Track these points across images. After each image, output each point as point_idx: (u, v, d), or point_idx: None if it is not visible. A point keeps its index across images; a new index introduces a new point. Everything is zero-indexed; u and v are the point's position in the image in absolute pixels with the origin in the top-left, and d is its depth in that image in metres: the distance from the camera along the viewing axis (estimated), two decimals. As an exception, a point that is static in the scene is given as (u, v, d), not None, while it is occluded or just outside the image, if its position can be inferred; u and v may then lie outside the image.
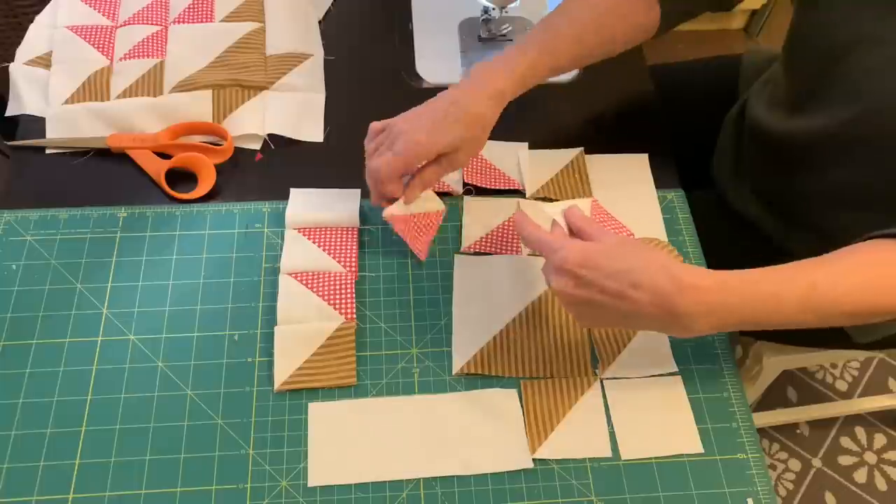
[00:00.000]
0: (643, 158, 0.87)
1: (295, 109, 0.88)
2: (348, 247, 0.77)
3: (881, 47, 0.68)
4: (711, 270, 0.62)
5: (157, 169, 0.81)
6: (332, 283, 0.74)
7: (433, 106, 0.72)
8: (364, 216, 0.80)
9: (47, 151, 0.83)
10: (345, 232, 0.78)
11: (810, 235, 0.86)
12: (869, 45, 0.69)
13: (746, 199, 0.92)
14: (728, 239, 0.95)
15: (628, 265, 0.60)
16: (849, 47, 0.70)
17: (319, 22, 0.96)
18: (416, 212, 0.76)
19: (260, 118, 0.86)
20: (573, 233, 0.69)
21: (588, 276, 0.61)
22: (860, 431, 1.48)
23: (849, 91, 0.72)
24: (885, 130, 0.69)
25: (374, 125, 0.75)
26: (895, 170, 0.70)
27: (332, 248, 0.77)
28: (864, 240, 0.65)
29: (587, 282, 0.61)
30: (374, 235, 0.79)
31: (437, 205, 0.78)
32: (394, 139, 0.71)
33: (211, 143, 0.84)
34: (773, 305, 0.60)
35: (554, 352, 0.73)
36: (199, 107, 0.85)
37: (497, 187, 0.83)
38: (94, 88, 0.87)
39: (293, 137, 0.86)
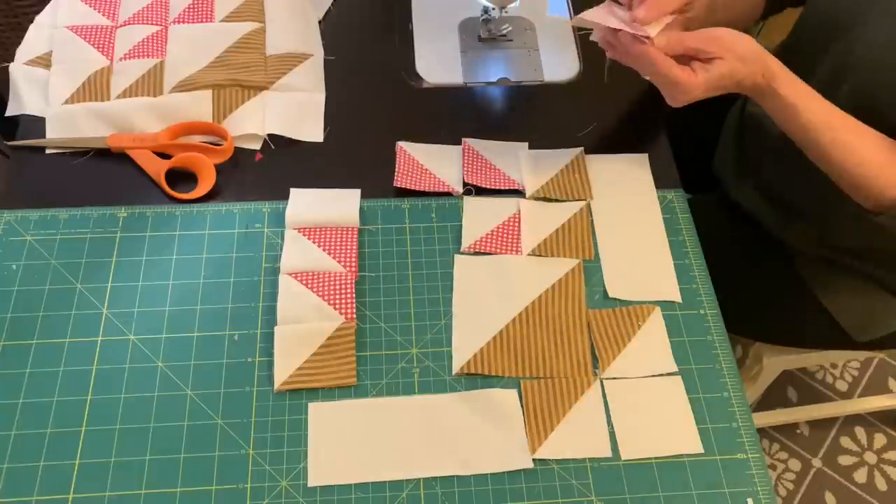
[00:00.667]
0: (643, 158, 0.87)
1: (295, 109, 0.88)
2: (348, 247, 0.77)
3: (887, 18, 0.69)
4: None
5: (157, 169, 0.81)
6: (331, 282, 0.74)
7: None
8: (364, 216, 0.80)
9: (47, 151, 0.83)
10: (345, 232, 0.78)
11: (812, 229, 0.86)
12: (876, 17, 0.69)
13: (749, 194, 0.93)
14: (728, 238, 0.95)
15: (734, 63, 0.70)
16: (856, 20, 0.72)
17: (319, 22, 0.96)
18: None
19: (260, 118, 0.86)
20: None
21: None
22: (860, 431, 1.48)
23: (850, 67, 0.74)
24: (887, 105, 0.70)
25: None
26: None
27: (332, 247, 0.77)
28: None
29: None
30: (374, 235, 0.79)
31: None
32: None
33: (211, 143, 0.84)
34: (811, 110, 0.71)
35: (554, 352, 0.73)
36: (199, 107, 0.85)
37: (497, 187, 0.83)
38: (94, 88, 0.87)
39: (293, 137, 0.86)
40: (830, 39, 0.78)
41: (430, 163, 0.85)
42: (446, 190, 0.83)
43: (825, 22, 0.80)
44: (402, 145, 0.85)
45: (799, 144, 0.75)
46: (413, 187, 0.82)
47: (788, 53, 0.85)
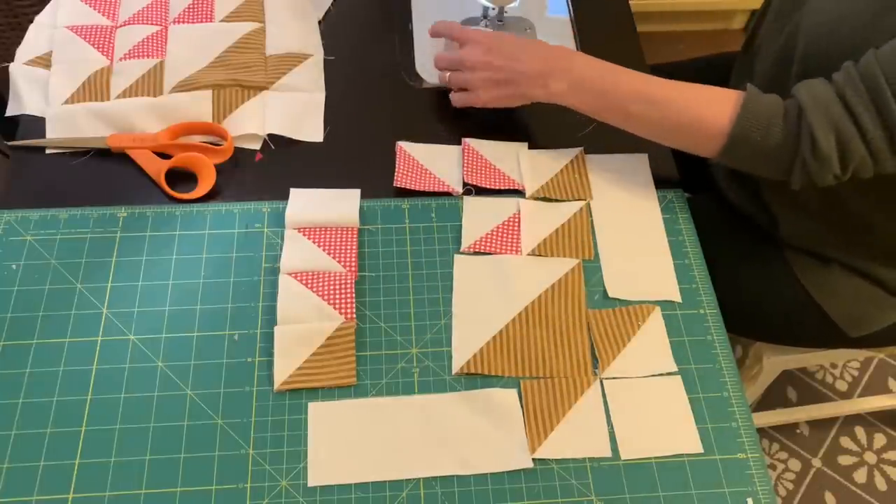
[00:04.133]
0: (643, 158, 0.87)
1: (295, 109, 0.88)
2: (348, 247, 0.77)
3: None
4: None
5: (157, 169, 0.81)
6: (331, 282, 0.74)
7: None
8: (364, 216, 0.80)
9: (47, 151, 0.83)
10: (345, 232, 0.78)
11: (801, 225, 0.87)
12: None
13: (740, 193, 0.93)
14: (728, 238, 0.95)
15: (524, 43, 0.82)
16: None
17: (319, 22, 0.96)
18: None
19: (260, 118, 0.86)
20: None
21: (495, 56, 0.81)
22: (860, 431, 1.48)
23: (797, 38, 0.76)
24: (826, 66, 0.71)
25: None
26: None
27: (332, 247, 0.77)
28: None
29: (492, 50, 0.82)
30: (374, 235, 0.79)
31: None
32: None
33: (211, 143, 0.84)
34: (610, 75, 0.78)
35: (554, 352, 0.73)
36: (199, 107, 0.85)
37: (497, 187, 0.83)
38: (94, 88, 0.87)
39: (293, 137, 0.86)
40: (782, 19, 0.81)
41: (430, 163, 0.85)
42: (446, 190, 0.83)
43: (777, 5, 0.84)
44: (402, 145, 0.85)
45: (614, 118, 0.79)
46: (413, 187, 0.82)
47: (751, 36, 0.87)
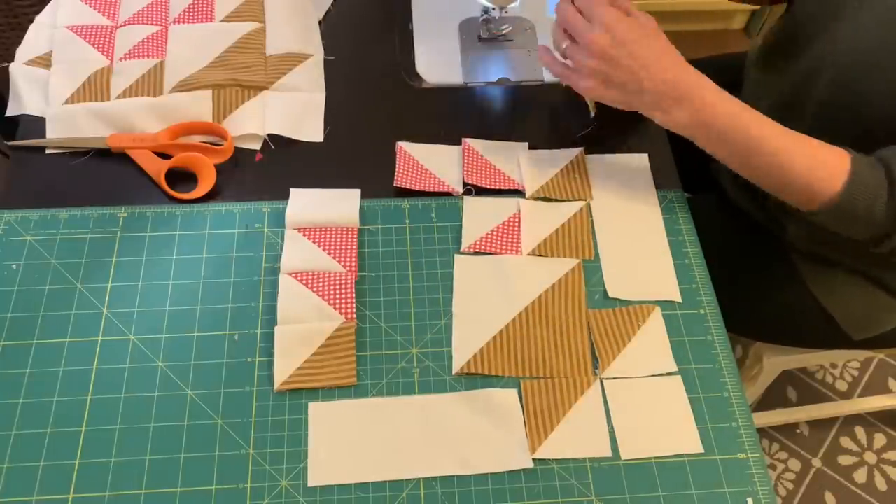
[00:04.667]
0: (643, 158, 0.87)
1: (295, 109, 0.88)
2: (348, 247, 0.77)
3: (862, 13, 0.69)
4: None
5: (157, 169, 0.81)
6: (331, 282, 0.74)
7: None
8: (364, 216, 0.80)
9: (47, 151, 0.83)
10: (345, 232, 0.78)
11: (804, 227, 0.87)
12: (853, 12, 0.71)
13: (744, 195, 0.93)
14: (728, 238, 0.95)
15: (653, 54, 0.73)
16: (833, 15, 0.74)
17: (319, 22, 0.96)
18: None
19: (260, 118, 0.86)
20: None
21: (617, 51, 0.73)
22: (860, 431, 1.48)
23: (825, 62, 0.75)
24: (855, 99, 0.71)
25: None
26: (879, 143, 0.71)
27: (332, 247, 0.77)
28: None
29: (616, 47, 0.73)
30: (374, 235, 0.79)
31: None
32: None
33: (211, 143, 0.84)
34: (736, 119, 0.71)
35: (554, 352, 0.73)
36: (199, 107, 0.85)
37: (497, 187, 0.83)
38: (94, 88, 0.87)
39: (293, 137, 0.86)
40: (809, 35, 0.80)
41: (431, 163, 0.85)
42: (446, 190, 0.83)
43: (805, 19, 0.81)
44: (402, 145, 0.85)
45: (731, 162, 0.74)
46: (413, 187, 0.82)
47: (768, 52, 0.86)
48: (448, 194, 0.83)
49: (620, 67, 0.73)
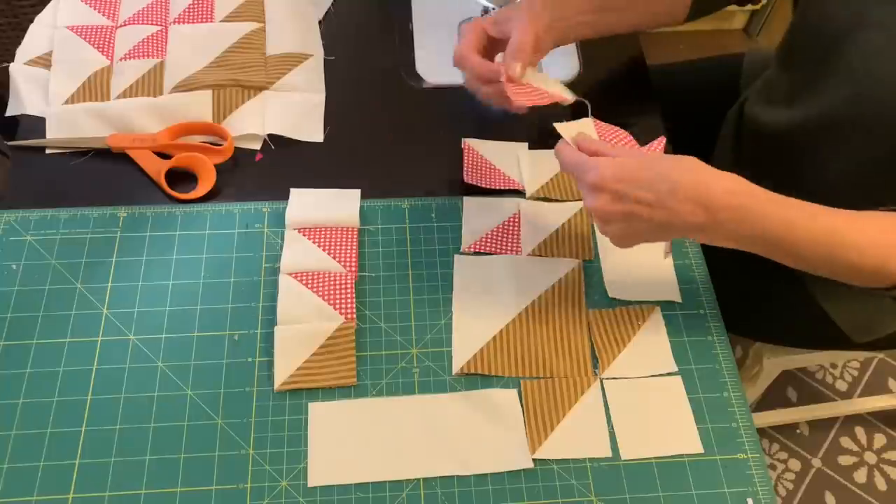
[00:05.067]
0: (643, 158, 0.87)
1: (295, 109, 0.88)
2: (348, 247, 0.77)
3: (881, 31, 0.69)
4: (739, 178, 0.64)
5: (157, 169, 0.81)
6: (332, 283, 0.74)
7: None
8: (364, 216, 0.80)
9: (47, 151, 0.83)
10: (345, 232, 0.78)
11: None
12: (869, 30, 0.70)
13: None
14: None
15: (662, 173, 0.62)
16: (849, 32, 0.71)
17: (319, 22, 0.96)
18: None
19: (260, 118, 0.86)
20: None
21: (624, 189, 0.62)
22: (860, 431, 1.48)
23: (845, 76, 0.73)
24: (879, 114, 0.70)
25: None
26: (890, 157, 0.70)
27: (332, 248, 0.77)
28: (888, 210, 0.65)
29: (623, 194, 0.62)
30: (374, 235, 0.79)
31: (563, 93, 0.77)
32: None
33: (211, 143, 0.84)
34: (787, 228, 0.63)
35: (554, 352, 0.73)
36: (199, 107, 0.85)
37: (497, 187, 0.83)
38: (94, 88, 0.87)
39: (293, 137, 0.86)
40: (824, 51, 0.77)
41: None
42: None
43: (816, 33, 0.78)
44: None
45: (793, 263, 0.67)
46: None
47: (783, 67, 0.85)
48: (448, 194, 0.82)
49: (642, 217, 0.63)
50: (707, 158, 0.77)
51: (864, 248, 0.63)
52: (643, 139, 0.88)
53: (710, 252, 0.81)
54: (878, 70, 0.69)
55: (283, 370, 0.70)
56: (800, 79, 0.80)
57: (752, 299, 0.94)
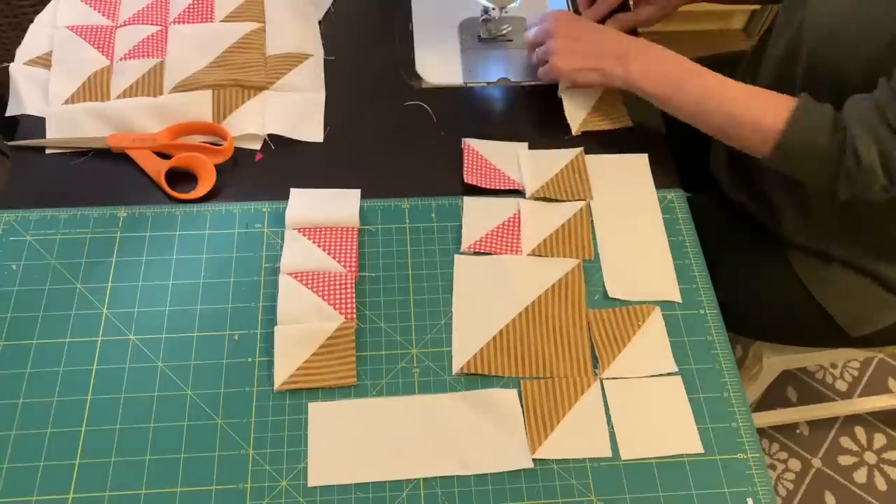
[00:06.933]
0: (643, 158, 0.87)
1: (295, 109, 0.88)
2: (348, 247, 0.77)
3: None
4: None
5: (157, 169, 0.81)
6: (331, 283, 0.74)
7: None
8: (364, 216, 0.80)
9: (47, 151, 0.83)
10: (345, 232, 0.78)
11: (801, 221, 0.87)
12: None
13: (745, 192, 0.93)
14: (728, 238, 0.95)
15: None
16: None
17: (319, 22, 0.96)
18: None
19: (260, 118, 0.86)
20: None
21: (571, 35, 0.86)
22: (860, 431, 1.48)
23: (801, 39, 0.78)
24: (832, 73, 0.74)
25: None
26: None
27: (332, 247, 0.77)
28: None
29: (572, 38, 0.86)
30: (374, 235, 0.79)
31: None
32: None
33: (211, 143, 0.84)
34: (688, 72, 0.81)
35: (554, 352, 0.73)
36: (199, 107, 0.85)
37: (497, 187, 0.83)
38: (94, 88, 0.87)
39: (293, 137, 0.86)
40: (789, 13, 0.82)
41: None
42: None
43: (785, 3, 0.85)
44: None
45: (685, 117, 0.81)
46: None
47: (763, 36, 0.88)
48: (449, 194, 0.82)
49: (587, 39, 0.85)
50: (705, 157, 0.77)
51: (744, 104, 0.76)
52: (643, 139, 0.88)
53: (709, 251, 0.81)
54: (830, 27, 0.74)
55: (283, 370, 0.70)
56: (770, 53, 0.83)
57: (750, 298, 0.94)
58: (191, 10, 0.94)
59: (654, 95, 0.81)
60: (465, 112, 0.90)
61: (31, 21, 0.93)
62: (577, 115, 0.88)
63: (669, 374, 0.73)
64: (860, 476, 1.43)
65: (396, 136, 0.87)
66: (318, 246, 0.77)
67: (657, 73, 0.80)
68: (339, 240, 0.77)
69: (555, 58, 0.85)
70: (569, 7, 1.01)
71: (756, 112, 0.75)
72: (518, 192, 0.83)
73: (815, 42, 0.76)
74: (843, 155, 0.70)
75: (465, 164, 0.84)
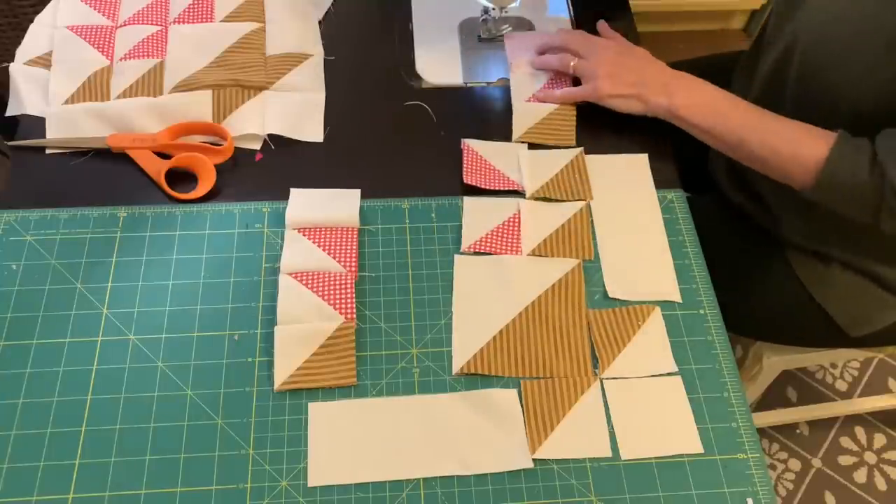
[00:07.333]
0: (643, 158, 0.87)
1: (295, 109, 0.88)
2: (348, 247, 0.77)
3: None
4: None
5: (157, 169, 0.81)
6: (331, 282, 0.74)
7: None
8: (364, 216, 0.80)
9: (47, 151, 0.83)
10: (345, 232, 0.78)
11: (800, 222, 0.87)
12: None
13: (744, 194, 0.93)
14: (728, 238, 0.95)
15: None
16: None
17: (319, 22, 0.96)
18: None
19: (260, 118, 0.86)
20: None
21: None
22: (860, 431, 1.48)
23: (794, 46, 0.78)
24: (824, 80, 0.75)
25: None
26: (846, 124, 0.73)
27: (332, 247, 0.77)
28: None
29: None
30: (374, 235, 0.79)
31: None
32: None
33: (211, 143, 0.84)
34: (729, 103, 0.81)
35: (554, 352, 0.73)
36: (199, 107, 0.85)
37: (497, 188, 0.83)
38: (94, 88, 0.87)
39: (293, 137, 0.86)
40: (782, 20, 0.82)
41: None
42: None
43: (779, 5, 0.85)
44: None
45: (724, 149, 0.82)
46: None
47: (758, 45, 0.88)
48: (449, 194, 0.82)
49: (631, 67, 0.84)
50: (705, 157, 0.77)
51: (786, 137, 0.76)
52: (643, 139, 0.88)
53: (709, 252, 0.81)
54: (825, 34, 0.74)
55: (283, 370, 0.70)
56: (762, 60, 0.84)
57: (751, 298, 0.94)
58: (191, 10, 0.94)
59: (697, 126, 0.81)
60: (465, 112, 0.90)
61: (31, 21, 0.93)
62: (524, 122, 0.87)
63: (669, 374, 0.73)
64: (860, 476, 1.43)
65: (396, 136, 0.87)
66: (318, 246, 0.77)
67: (700, 105, 0.80)
68: (339, 240, 0.77)
69: (601, 81, 0.84)
70: (569, 7, 1.01)
71: (796, 145, 0.75)
72: (518, 192, 0.83)
73: (809, 46, 0.76)
74: (883, 193, 0.70)
75: (465, 165, 0.84)
